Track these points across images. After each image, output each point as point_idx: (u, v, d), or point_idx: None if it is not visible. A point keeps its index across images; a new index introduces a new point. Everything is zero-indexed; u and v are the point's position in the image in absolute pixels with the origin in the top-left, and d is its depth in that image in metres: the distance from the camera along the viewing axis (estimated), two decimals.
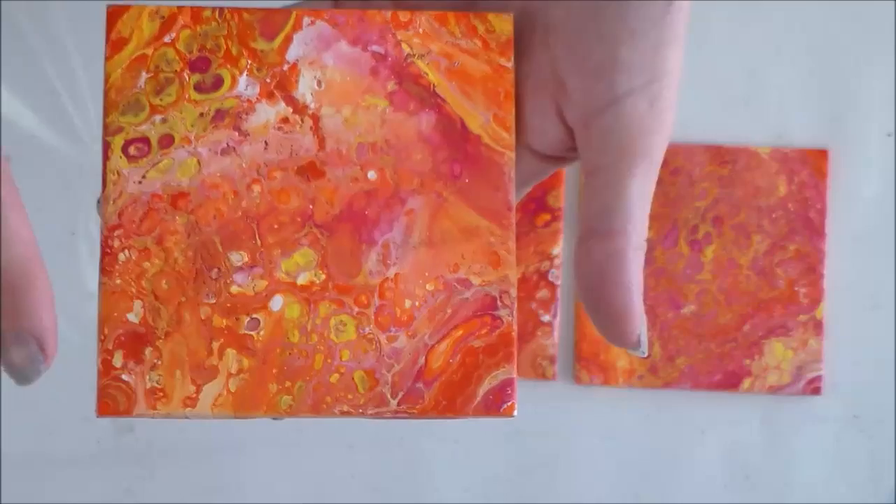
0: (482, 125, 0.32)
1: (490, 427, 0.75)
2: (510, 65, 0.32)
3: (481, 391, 0.31)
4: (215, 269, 0.31)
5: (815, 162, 0.74)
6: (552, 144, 0.33)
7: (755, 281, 0.74)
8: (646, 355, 0.32)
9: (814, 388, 0.73)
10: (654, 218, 0.74)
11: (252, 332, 0.31)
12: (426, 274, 0.31)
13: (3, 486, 0.74)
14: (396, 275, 0.31)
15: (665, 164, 0.75)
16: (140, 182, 0.31)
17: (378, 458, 0.75)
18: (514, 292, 0.32)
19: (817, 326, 0.74)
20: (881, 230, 0.75)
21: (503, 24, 0.32)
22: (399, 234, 0.31)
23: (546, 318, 0.74)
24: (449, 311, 0.31)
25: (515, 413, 0.31)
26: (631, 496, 0.75)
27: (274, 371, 0.31)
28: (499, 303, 0.31)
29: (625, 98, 0.31)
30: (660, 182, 0.74)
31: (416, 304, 0.31)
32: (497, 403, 0.31)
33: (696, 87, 0.75)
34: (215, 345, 0.31)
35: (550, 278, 0.74)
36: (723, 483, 0.75)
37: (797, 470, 0.75)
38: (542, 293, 0.74)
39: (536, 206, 0.74)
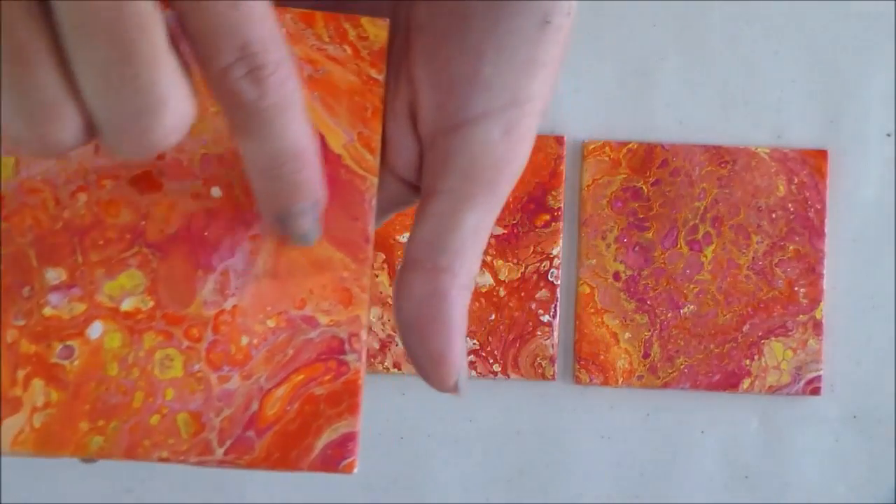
0: (344, 144, 0.28)
1: (490, 427, 0.75)
2: (381, 77, 0.28)
3: (319, 444, 0.27)
4: (28, 287, 0.27)
5: (814, 162, 0.74)
6: (411, 166, 0.29)
7: (755, 281, 0.74)
8: (462, 397, 0.29)
9: (813, 388, 0.73)
10: (654, 218, 0.74)
11: (64, 362, 0.27)
12: (268, 308, 0.28)
13: (2, 486, 0.74)
14: (234, 307, 0.27)
15: (665, 164, 0.75)
16: None
17: (378, 457, 0.75)
18: (364, 335, 0.28)
19: (817, 326, 0.74)
20: (881, 230, 0.75)
21: (377, 31, 0.28)
22: (241, 261, 0.28)
23: (546, 318, 0.74)
24: (290, 351, 0.28)
25: (355, 470, 0.28)
26: (631, 496, 0.75)
27: (86, 407, 0.27)
28: (347, 346, 0.28)
29: (478, 121, 0.27)
30: (660, 182, 0.75)
31: (254, 341, 0.27)
32: (336, 459, 0.27)
33: (696, 87, 0.75)
34: (21, 373, 0.27)
35: (550, 278, 0.74)
36: (722, 483, 0.75)
37: (796, 470, 0.75)
38: (542, 293, 0.74)
39: (536, 207, 0.74)
